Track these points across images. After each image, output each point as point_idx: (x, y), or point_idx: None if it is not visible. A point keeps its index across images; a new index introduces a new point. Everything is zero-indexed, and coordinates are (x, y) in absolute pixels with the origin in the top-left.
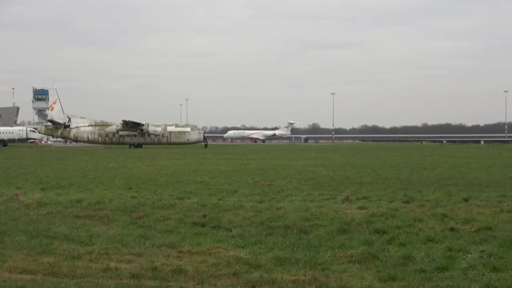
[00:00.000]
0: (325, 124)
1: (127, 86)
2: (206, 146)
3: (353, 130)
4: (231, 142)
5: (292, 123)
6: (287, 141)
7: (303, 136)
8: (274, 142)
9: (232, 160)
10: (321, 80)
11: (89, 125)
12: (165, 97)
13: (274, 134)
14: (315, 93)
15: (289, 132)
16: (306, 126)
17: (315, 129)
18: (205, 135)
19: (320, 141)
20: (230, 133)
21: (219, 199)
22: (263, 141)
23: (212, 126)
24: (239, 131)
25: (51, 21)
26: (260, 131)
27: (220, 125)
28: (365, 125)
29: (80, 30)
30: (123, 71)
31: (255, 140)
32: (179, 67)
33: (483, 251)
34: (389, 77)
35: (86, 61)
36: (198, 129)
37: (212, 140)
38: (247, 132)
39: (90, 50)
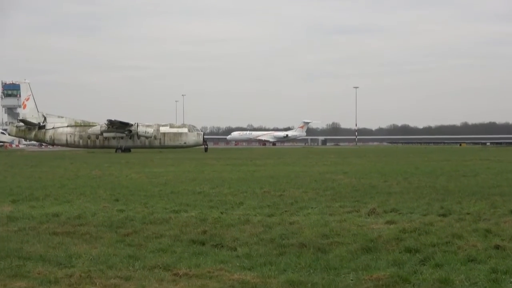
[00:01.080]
0: (346, 123)
1: (113, 80)
2: (206, 150)
3: (380, 131)
4: (235, 145)
5: (307, 123)
6: (301, 144)
7: (321, 137)
8: (287, 145)
9: (237, 166)
10: (341, 72)
11: (68, 126)
12: (158, 92)
13: (287, 135)
14: (335, 87)
15: (304, 133)
16: (324, 126)
17: (334, 129)
18: (205, 137)
19: (341, 143)
20: (235, 134)
21: (221, 213)
22: (274, 143)
23: (213, 127)
24: (245, 132)
25: (20, 2)
26: (270, 132)
27: (223, 125)
28: (394, 124)
29: (56, 13)
30: (109, 62)
31: (264, 142)
32: (174, 57)
33: None
34: (422, 67)
35: (64, 50)
36: (197, 130)
37: (214, 143)
38: (255, 133)
39: (68, 37)
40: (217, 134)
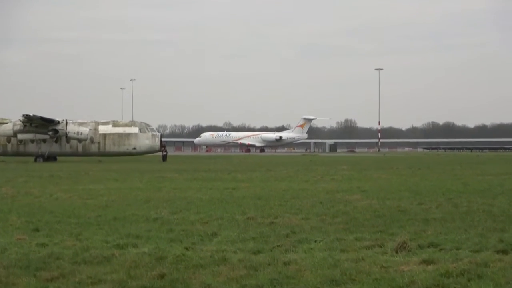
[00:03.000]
0: (364, 121)
1: (32, 58)
2: (164, 158)
3: (412, 131)
4: (207, 151)
5: (309, 120)
6: (301, 151)
7: (329, 141)
8: (280, 151)
9: (208, 182)
10: (356, 47)
11: None
12: (97, 76)
13: (280, 138)
14: (348, 69)
15: (305, 135)
16: (334, 125)
17: (348, 129)
18: (163, 140)
19: (358, 149)
20: (206, 136)
21: (186, 248)
22: (262, 149)
23: (175, 126)
24: (221, 133)
25: None
26: (257, 133)
27: (189, 123)
28: (433, 122)
29: None
30: (25, 33)
31: (247, 148)
32: (121, 27)
33: None
34: (469, 41)
35: None
36: (152, 130)
37: (176, 149)
38: (235, 135)
39: None
40: (180, 135)
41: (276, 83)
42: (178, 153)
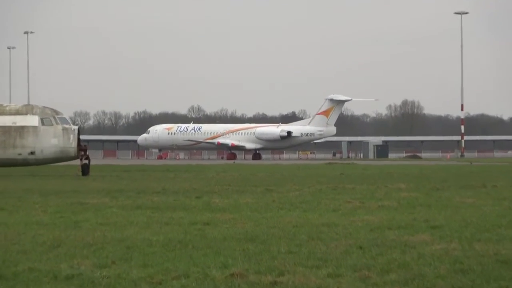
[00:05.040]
0: (435, 105)
1: None
2: (85, 170)
3: None
4: (161, 157)
5: (339, 103)
6: (326, 156)
7: (374, 139)
8: (289, 157)
9: (164, 212)
10: None
11: None
12: None
13: (288, 134)
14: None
15: (333, 129)
16: (383, 112)
17: (408, 118)
18: (82, 138)
19: (425, 153)
20: (158, 131)
21: None
22: (256, 153)
23: (103, 113)
24: (184, 126)
25: None
26: (248, 126)
27: (128, 109)
28: None
29: None
30: None
31: (231, 152)
32: None
33: None
34: None
35: None
36: (63, 120)
37: (105, 154)
38: (209, 128)
39: None
40: (113, 131)
41: (281, 39)
42: (109, 160)
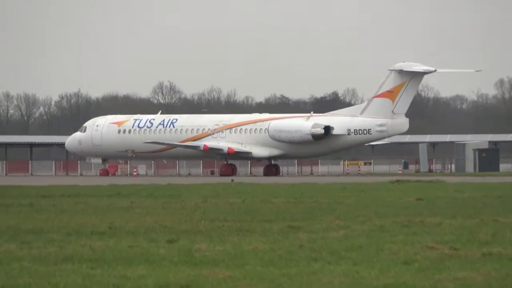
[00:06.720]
0: None
1: None
2: None
3: None
4: (104, 172)
5: (413, 76)
6: (392, 168)
7: (472, 139)
8: (323, 172)
9: (108, 266)
10: None
11: None
12: None
13: (327, 131)
14: None
15: (404, 121)
16: (487, 93)
17: None
18: None
19: None
20: (100, 127)
21: None
22: (271, 162)
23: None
24: (146, 119)
25: None
26: (259, 118)
27: (42, 91)
28: None
29: None
30: None
31: (227, 162)
32: None
33: None
34: None
35: None
36: None
37: (10, 167)
38: (191, 122)
39: None
40: (25, 128)
41: None
42: (18, 178)
